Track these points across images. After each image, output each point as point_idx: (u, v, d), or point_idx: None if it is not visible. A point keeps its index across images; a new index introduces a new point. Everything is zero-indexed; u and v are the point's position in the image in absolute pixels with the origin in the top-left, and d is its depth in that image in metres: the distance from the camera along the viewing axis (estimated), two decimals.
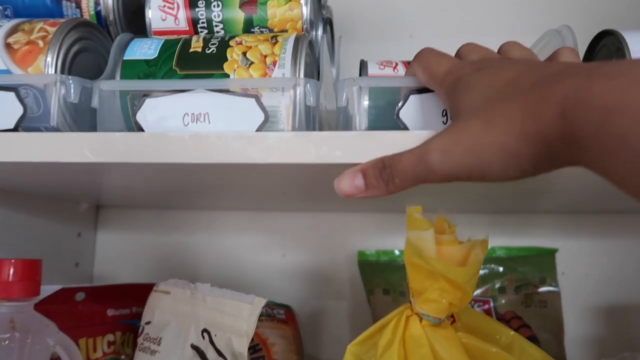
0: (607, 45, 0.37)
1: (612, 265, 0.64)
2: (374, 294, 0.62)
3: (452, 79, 0.31)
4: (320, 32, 0.47)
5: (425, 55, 0.34)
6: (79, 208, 0.68)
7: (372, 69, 0.37)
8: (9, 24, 0.39)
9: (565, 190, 0.48)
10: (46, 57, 0.37)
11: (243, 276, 0.69)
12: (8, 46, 0.37)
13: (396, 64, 0.38)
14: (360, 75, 0.40)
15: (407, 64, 0.39)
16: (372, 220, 0.68)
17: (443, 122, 0.34)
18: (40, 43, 0.37)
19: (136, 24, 0.47)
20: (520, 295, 0.59)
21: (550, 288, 0.60)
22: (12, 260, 0.41)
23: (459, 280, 0.31)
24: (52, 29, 0.38)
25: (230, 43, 0.38)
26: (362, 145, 0.31)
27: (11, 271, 0.40)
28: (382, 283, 0.62)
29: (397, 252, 0.65)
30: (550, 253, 0.62)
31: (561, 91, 0.24)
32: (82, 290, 0.50)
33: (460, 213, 0.65)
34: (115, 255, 0.72)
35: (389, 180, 0.29)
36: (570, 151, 0.23)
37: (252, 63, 0.36)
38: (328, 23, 0.54)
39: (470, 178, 0.27)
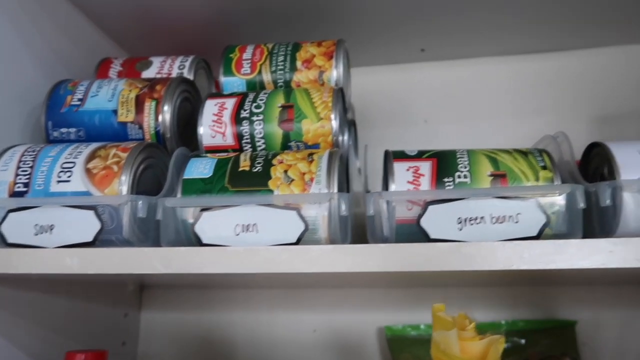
0: (599, 154, 0.43)
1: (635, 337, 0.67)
2: None
3: None
4: (346, 137, 0.54)
5: None
6: (126, 289, 0.74)
7: (399, 184, 0.42)
8: (87, 151, 0.46)
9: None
10: (120, 180, 0.44)
11: (276, 355, 0.73)
12: (88, 171, 0.44)
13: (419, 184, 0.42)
14: (384, 165, 0.45)
15: (434, 179, 0.42)
16: (398, 294, 0.72)
17: (458, 229, 0.40)
18: (115, 168, 0.44)
19: (186, 135, 0.55)
20: None
21: None
22: (83, 354, 0.46)
23: None
24: (123, 154, 0.45)
25: (273, 162, 0.44)
26: (391, 256, 0.36)
27: None
28: (410, 358, 0.66)
29: (422, 326, 0.69)
30: (570, 325, 0.66)
31: None
32: None
33: (479, 286, 0.70)
34: (158, 333, 0.76)
35: None
36: None
37: (292, 180, 0.43)
38: (352, 124, 0.62)
39: None
